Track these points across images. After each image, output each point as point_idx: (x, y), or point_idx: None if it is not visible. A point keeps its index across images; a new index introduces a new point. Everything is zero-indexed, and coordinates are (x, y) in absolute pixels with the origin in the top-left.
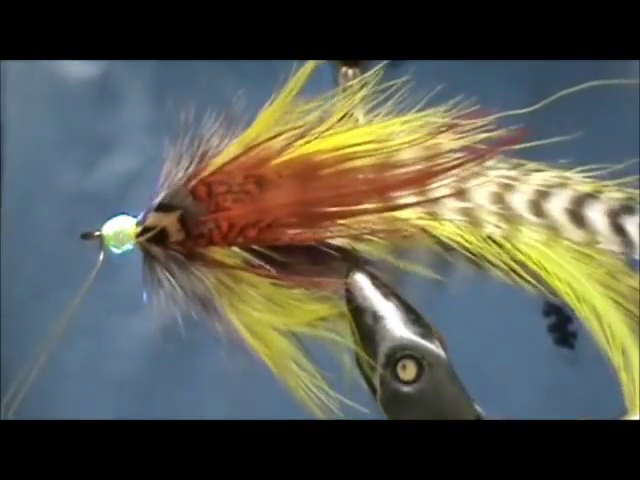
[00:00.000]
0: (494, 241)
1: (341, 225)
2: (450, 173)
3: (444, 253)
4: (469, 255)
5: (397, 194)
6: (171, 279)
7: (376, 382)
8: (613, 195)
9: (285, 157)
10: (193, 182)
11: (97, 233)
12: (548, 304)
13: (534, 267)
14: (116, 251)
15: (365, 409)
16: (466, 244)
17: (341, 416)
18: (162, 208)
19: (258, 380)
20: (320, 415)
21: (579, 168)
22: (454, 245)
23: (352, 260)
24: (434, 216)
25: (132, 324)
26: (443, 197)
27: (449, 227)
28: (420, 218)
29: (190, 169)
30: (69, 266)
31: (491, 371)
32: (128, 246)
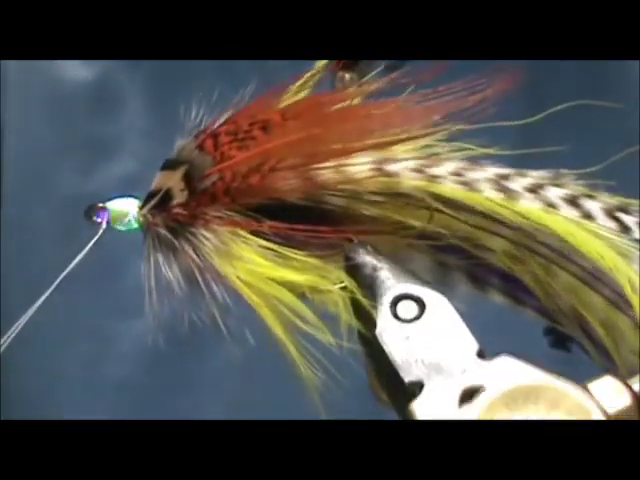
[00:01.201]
0: (493, 201)
1: (342, 179)
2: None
3: (444, 272)
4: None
5: (398, 129)
6: (173, 241)
7: (375, 317)
8: (607, 200)
9: (291, 100)
10: (201, 136)
11: (101, 205)
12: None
13: (533, 223)
14: (119, 227)
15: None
16: (466, 201)
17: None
18: (169, 165)
19: (258, 382)
20: (309, 374)
21: (574, 172)
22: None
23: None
24: (433, 179)
25: (132, 327)
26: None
27: (449, 186)
28: (419, 174)
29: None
30: (70, 270)
31: None
32: (132, 221)
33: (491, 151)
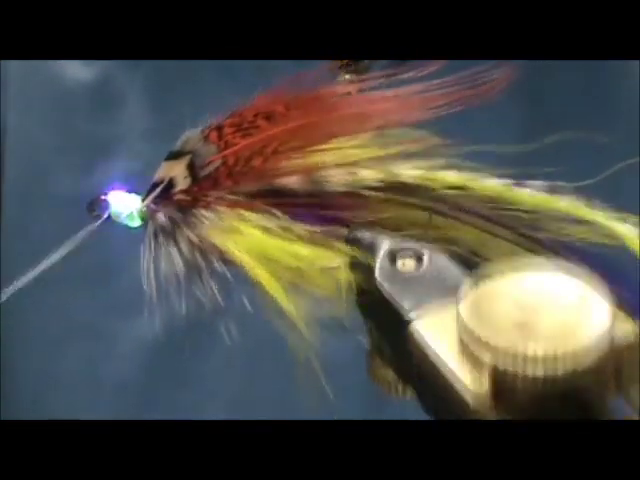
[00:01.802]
0: (494, 187)
1: (343, 160)
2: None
3: None
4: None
5: (400, 115)
6: (174, 224)
7: (375, 269)
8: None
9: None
10: (206, 130)
11: (103, 197)
12: None
13: (534, 208)
14: (120, 220)
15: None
16: (467, 186)
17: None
18: (173, 155)
19: (258, 381)
20: (310, 336)
21: (572, 185)
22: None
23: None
24: (432, 170)
25: (131, 326)
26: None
27: (450, 175)
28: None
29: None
30: (68, 269)
31: None
32: (133, 215)
33: (489, 172)
